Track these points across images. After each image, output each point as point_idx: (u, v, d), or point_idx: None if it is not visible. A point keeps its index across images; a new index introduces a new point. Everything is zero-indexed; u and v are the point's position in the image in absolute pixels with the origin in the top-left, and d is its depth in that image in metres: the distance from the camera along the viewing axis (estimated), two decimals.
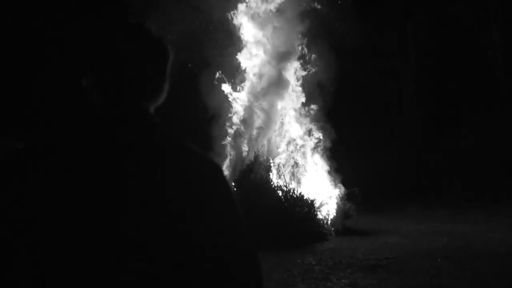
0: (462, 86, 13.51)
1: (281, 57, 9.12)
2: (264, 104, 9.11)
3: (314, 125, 9.29)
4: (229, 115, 9.24)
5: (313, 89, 9.41)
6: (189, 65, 9.04)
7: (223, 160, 9.01)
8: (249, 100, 9.17)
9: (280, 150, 9.12)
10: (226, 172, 8.97)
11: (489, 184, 11.68)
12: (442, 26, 13.70)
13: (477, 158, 12.55)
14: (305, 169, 9.02)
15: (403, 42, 14.42)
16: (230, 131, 9.14)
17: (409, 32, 14.31)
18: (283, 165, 8.93)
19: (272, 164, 8.73)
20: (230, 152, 9.15)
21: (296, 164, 8.98)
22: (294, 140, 9.16)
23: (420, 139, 13.96)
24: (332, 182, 9.07)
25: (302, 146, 9.13)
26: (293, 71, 9.31)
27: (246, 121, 9.12)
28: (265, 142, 9.09)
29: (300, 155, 9.06)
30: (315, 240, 7.61)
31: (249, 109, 9.15)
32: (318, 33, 9.22)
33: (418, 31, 14.22)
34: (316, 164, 9.16)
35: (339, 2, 9.41)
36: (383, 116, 13.73)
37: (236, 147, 9.12)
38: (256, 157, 8.47)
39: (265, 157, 8.66)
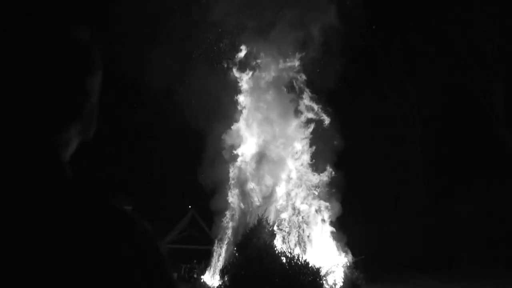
0: (469, 155, 13.39)
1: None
2: (271, 166, 9.02)
3: (320, 191, 9.08)
4: (232, 181, 9.10)
5: (319, 155, 9.32)
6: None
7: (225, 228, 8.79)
8: (256, 162, 9.08)
9: (285, 215, 8.83)
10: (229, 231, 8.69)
11: (504, 255, 11.17)
12: (445, 93, 13.83)
13: (490, 228, 12.13)
14: (310, 235, 8.68)
15: (408, 111, 14.54)
16: (232, 200, 8.96)
17: (412, 101, 14.48)
18: (288, 231, 8.61)
19: (276, 229, 8.42)
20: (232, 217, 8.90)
21: (301, 229, 8.66)
22: (299, 206, 8.90)
23: (428, 207, 13.63)
24: (339, 249, 8.67)
25: (308, 211, 8.86)
26: (300, 131, 9.31)
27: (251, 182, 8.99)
28: (269, 206, 8.84)
29: (305, 221, 8.76)
30: None
31: (256, 170, 9.04)
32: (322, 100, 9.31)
33: (422, 99, 14.38)
34: (322, 230, 8.82)
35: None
36: (390, 184, 13.54)
37: (240, 211, 8.88)
38: (260, 221, 8.18)
39: (269, 221, 8.35)
